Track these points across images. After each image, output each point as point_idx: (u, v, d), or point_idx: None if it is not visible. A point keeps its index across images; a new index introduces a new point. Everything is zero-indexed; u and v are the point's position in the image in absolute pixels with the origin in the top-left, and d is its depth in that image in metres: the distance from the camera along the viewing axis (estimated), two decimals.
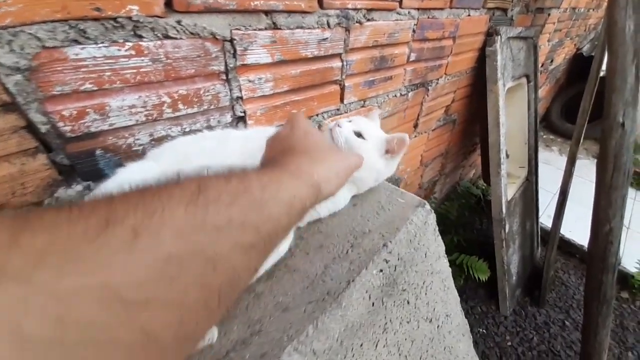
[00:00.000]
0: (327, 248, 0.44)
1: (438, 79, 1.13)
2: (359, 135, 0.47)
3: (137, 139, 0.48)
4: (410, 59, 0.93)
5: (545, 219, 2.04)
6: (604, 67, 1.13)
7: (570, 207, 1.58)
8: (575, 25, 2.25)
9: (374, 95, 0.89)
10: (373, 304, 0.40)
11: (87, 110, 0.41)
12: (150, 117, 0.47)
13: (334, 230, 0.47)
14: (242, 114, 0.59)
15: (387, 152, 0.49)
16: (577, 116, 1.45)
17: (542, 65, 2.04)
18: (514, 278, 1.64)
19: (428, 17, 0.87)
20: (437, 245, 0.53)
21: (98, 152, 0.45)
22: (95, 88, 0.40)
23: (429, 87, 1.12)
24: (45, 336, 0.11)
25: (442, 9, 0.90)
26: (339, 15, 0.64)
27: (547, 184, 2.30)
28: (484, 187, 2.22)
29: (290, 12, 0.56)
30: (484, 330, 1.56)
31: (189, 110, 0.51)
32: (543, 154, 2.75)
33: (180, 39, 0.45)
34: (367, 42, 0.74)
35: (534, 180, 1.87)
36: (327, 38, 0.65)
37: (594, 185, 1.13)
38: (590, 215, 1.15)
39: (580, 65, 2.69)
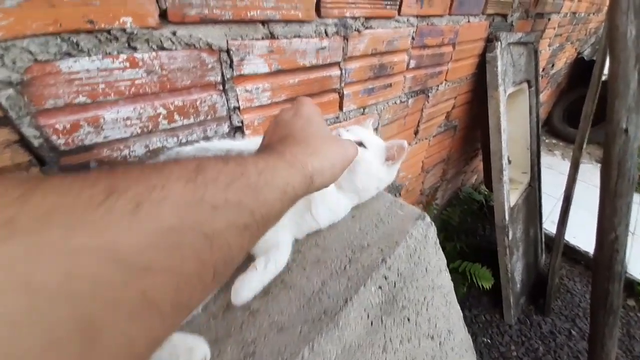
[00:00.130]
0: (324, 263, 0.43)
1: (438, 86, 1.13)
2: (359, 144, 0.46)
3: (133, 151, 0.47)
4: (410, 66, 0.92)
5: (549, 225, 2.01)
6: (605, 70, 1.12)
7: (574, 212, 1.56)
8: (576, 30, 2.24)
9: (373, 102, 0.88)
10: (372, 323, 0.39)
11: (81, 123, 0.40)
12: (145, 129, 0.47)
13: (331, 244, 0.46)
14: (240, 124, 0.58)
15: (387, 159, 0.48)
16: (580, 121, 1.43)
17: (543, 70, 2.03)
18: (518, 286, 1.61)
19: (427, 24, 0.87)
20: (438, 259, 0.51)
21: (92, 164, 0.44)
22: (89, 101, 0.40)
23: (429, 94, 1.11)
24: (55, 288, 0.11)
25: (441, 15, 0.89)
26: (337, 24, 0.64)
27: (550, 189, 2.28)
28: (486, 193, 2.19)
29: (287, 21, 0.55)
30: (488, 340, 1.52)
31: (186, 122, 0.51)
32: (545, 159, 2.73)
33: (176, 50, 0.44)
34: (365, 50, 0.73)
35: (537, 185, 1.85)
36: (325, 47, 0.64)
37: (598, 190, 1.11)
38: (594, 221, 1.13)
39: (581, 69, 2.68)
